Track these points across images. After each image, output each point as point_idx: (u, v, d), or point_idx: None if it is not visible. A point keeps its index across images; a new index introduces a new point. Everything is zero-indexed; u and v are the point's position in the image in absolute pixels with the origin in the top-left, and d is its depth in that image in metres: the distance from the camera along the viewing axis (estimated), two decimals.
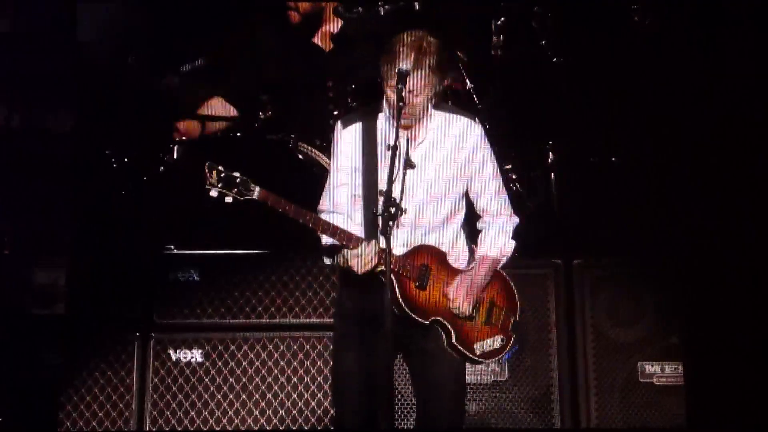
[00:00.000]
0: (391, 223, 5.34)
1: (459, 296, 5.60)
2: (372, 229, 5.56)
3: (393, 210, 5.35)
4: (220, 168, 5.43)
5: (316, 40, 8.23)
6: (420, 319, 5.55)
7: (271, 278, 7.33)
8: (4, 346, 7.20)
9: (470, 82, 8.47)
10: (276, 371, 7.21)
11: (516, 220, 5.88)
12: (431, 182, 5.64)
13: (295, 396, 7.18)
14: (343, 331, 5.72)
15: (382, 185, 5.51)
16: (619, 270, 7.49)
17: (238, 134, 8.00)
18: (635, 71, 8.41)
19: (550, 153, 8.47)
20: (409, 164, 5.46)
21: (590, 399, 7.32)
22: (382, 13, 8.16)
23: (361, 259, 5.48)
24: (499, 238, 5.79)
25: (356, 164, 5.68)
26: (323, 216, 5.65)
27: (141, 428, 7.11)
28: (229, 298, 7.30)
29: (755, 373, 6.70)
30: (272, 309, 7.31)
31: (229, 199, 5.45)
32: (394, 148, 5.41)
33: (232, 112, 8.25)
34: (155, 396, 7.19)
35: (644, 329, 7.39)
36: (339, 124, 5.78)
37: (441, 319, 5.59)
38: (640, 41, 8.42)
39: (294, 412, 7.18)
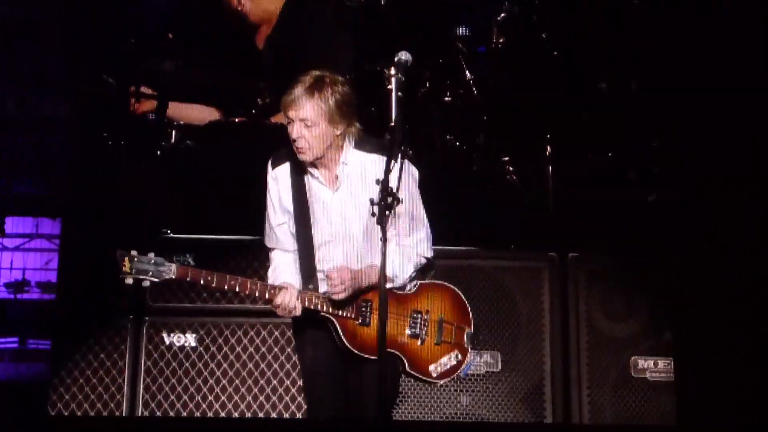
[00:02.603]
0: (387, 212, 5.32)
1: (339, 281, 5.53)
2: (308, 278, 5.61)
3: (390, 200, 5.33)
4: (133, 253, 5.39)
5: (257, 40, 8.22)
6: (370, 356, 5.53)
7: (266, 264, 7.30)
8: None
9: (469, 74, 8.46)
10: (269, 357, 7.21)
11: (423, 261, 5.74)
12: (355, 233, 5.63)
13: (288, 382, 7.17)
14: (305, 327, 5.71)
15: (325, 235, 5.58)
16: (614, 264, 7.49)
17: (236, 120, 7.97)
18: (634, 65, 8.40)
19: (548, 146, 8.47)
20: (405, 154, 5.44)
21: (582, 393, 7.32)
22: (382, 2, 8.14)
23: (284, 307, 5.50)
24: (403, 263, 5.67)
25: (286, 206, 5.69)
26: (274, 253, 5.72)
27: (133, 412, 7.11)
28: None
29: (747, 370, 6.70)
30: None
31: (146, 284, 5.41)
32: (392, 140, 5.39)
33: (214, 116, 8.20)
34: (148, 379, 7.17)
35: (638, 324, 7.39)
36: (269, 163, 5.77)
37: (391, 350, 5.56)
38: (639, 35, 8.41)
39: (287, 398, 7.17)
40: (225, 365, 7.20)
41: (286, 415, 7.13)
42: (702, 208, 6.84)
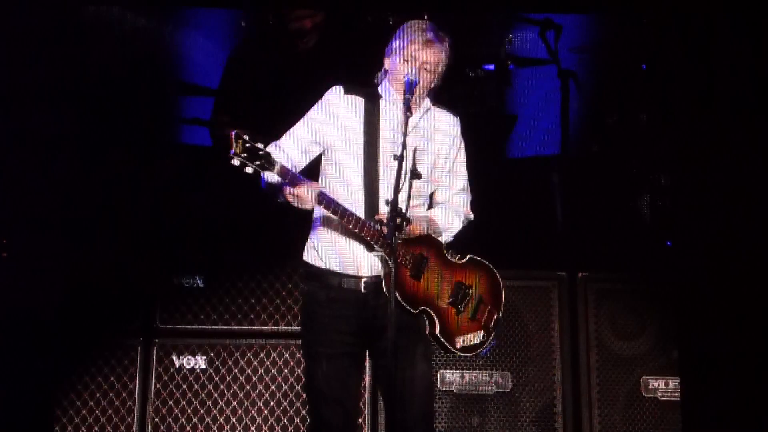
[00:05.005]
0: (396, 233, 5.33)
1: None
2: (371, 214, 5.55)
3: (399, 220, 5.34)
4: (246, 137, 5.33)
5: None
6: (409, 308, 5.54)
7: (275, 285, 7.33)
8: (3, 351, 7.14)
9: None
10: (279, 379, 7.20)
11: (466, 222, 5.91)
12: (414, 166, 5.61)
13: (298, 404, 7.17)
14: (318, 343, 5.67)
15: (386, 170, 5.58)
16: (624, 284, 7.48)
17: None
18: (644, 86, 8.41)
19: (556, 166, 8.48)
20: (415, 174, 5.45)
21: (593, 413, 7.30)
22: (391, 21, 8.17)
23: (298, 198, 5.44)
24: (451, 220, 5.83)
25: (345, 129, 5.66)
26: (271, 146, 5.60)
27: None
28: (234, 304, 7.29)
29: (754, 388, 6.69)
30: (277, 316, 7.30)
31: (249, 170, 5.34)
32: (401, 158, 5.40)
33: None
34: (158, 402, 7.17)
35: (648, 343, 7.38)
36: (341, 88, 5.73)
37: (428, 310, 5.60)
38: (646, 53, 8.43)
39: (297, 420, 7.16)
40: (235, 387, 7.19)
41: None
42: (707, 226, 6.84)
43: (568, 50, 8.45)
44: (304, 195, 5.43)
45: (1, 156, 7.09)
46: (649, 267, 7.53)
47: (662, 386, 7.33)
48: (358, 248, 5.60)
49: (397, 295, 5.51)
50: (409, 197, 5.37)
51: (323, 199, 5.48)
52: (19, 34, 7.08)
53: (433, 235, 5.68)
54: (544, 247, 8.05)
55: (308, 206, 5.50)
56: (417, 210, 5.66)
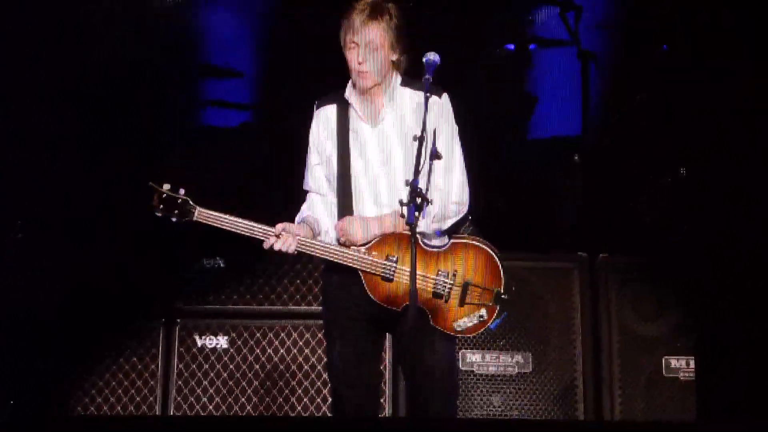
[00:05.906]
0: (416, 213, 5.28)
1: (341, 232, 5.52)
2: (344, 214, 5.54)
3: (419, 200, 5.29)
4: (163, 189, 5.40)
5: None
6: (393, 308, 5.47)
7: (296, 266, 7.35)
8: (22, 333, 7.18)
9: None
10: (300, 359, 7.23)
11: (452, 207, 5.63)
12: (395, 169, 5.55)
13: (319, 383, 7.19)
14: (333, 325, 5.67)
15: (364, 174, 5.54)
16: (645, 264, 7.46)
17: None
18: (657, 67, 8.38)
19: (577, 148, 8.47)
20: (435, 155, 5.40)
21: (614, 393, 7.30)
22: (410, 3, 8.15)
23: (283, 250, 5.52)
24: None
25: (326, 147, 5.64)
26: (309, 195, 5.69)
27: (165, 413, 7.14)
28: (255, 285, 7.32)
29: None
30: (297, 296, 7.33)
31: (173, 220, 5.42)
32: (421, 139, 5.34)
33: None
34: (180, 381, 7.22)
35: (669, 324, 7.36)
36: (316, 103, 5.72)
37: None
38: (659, 39, 8.40)
39: (318, 399, 7.19)
40: (257, 367, 7.22)
41: (318, 415, 7.14)
42: (730, 204, 6.82)
43: (594, 27, 8.43)
44: (281, 247, 5.52)
45: (1, 156, 7.10)
46: (670, 248, 7.50)
47: (683, 366, 7.32)
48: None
49: (377, 301, 5.49)
50: (428, 180, 5.30)
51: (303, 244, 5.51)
52: (19, 34, 7.09)
53: (400, 231, 5.48)
54: (565, 229, 8.04)
55: (291, 251, 5.52)
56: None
